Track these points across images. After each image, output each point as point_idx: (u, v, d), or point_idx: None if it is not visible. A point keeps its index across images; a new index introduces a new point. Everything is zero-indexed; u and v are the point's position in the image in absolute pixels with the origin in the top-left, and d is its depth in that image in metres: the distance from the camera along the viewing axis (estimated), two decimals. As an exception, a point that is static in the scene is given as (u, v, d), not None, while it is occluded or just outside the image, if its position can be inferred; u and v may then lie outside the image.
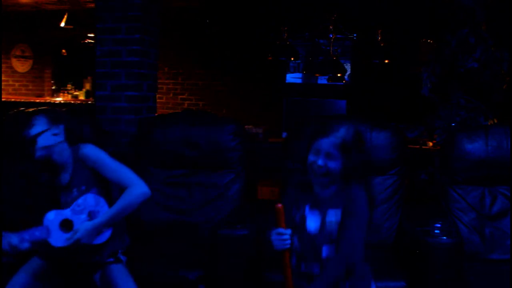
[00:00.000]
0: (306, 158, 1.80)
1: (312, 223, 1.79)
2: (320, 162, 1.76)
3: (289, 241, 1.77)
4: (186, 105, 7.33)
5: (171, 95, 7.42)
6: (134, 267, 2.39)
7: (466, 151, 2.72)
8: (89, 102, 7.39)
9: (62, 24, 6.92)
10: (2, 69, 7.95)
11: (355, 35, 5.93)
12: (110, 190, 2.20)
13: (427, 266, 2.23)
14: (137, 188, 2.12)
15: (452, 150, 2.76)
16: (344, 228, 1.74)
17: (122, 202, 2.10)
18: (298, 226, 1.81)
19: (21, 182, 2.19)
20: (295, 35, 5.93)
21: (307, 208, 1.81)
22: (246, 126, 3.87)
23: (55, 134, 2.08)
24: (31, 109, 3.28)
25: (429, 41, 4.89)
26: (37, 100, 7.23)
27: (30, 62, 8.30)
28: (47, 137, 2.06)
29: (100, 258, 2.15)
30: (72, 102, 7.66)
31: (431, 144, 4.37)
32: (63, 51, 8.20)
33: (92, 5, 4.41)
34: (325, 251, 1.75)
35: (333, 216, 1.77)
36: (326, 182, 1.79)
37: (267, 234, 1.81)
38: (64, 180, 2.14)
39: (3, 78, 8.08)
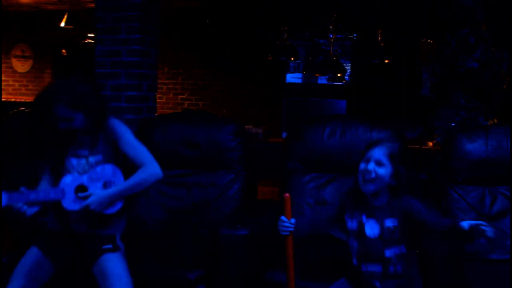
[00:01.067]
0: (358, 168, 1.98)
1: (371, 229, 1.95)
2: (370, 166, 1.93)
3: (290, 228, 1.95)
4: (186, 105, 7.33)
5: (171, 95, 7.42)
6: (134, 267, 2.39)
7: (466, 151, 2.72)
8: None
9: (62, 24, 6.92)
10: (2, 69, 7.95)
11: (355, 35, 5.93)
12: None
13: (427, 266, 2.22)
14: (153, 168, 2.19)
15: (452, 150, 2.76)
16: (424, 218, 1.93)
17: (138, 177, 2.16)
18: (356, 232, 1.97)
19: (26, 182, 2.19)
20: (295, 35, 5.93)
21: (363, 217, 1.97)
22: (246, 126, 3.87)
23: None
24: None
25: (429, 41, 4.89)
26: (37, 100, 7.22)
27: (30, 62, 8.30)
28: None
29: (109, 232, 2.17)
30: (72, 102, 7.64)
31: (431, 144, 4.38)
32: (63, 51, 8.20)
33: (92, 5, 4.41)
34: (388, 252, 1.92)
35: (390, 223, 1.93)
36: (374, 190, 1.95)
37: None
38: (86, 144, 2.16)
39: (3, 78, 8.08)
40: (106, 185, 2.12)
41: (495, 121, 3.79)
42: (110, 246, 2.16)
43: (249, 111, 6.67)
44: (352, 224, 1.99)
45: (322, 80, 6.52)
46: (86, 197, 2.06)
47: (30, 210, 2.00)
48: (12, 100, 7.09)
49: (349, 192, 2.08)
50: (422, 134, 4.29)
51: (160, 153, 3.04)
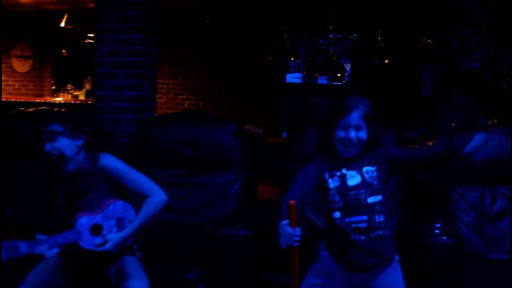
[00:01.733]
0: (332, 135, 1.97)
1: (352, 179, 1.96)
2: (351, 134, 1.93)
3: (297, 238, 1.81)
4: (186, 105, 7.33)
5: (171, 95, 7.42)
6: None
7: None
8: (89, 102, 7.40)
9: (62, 24, 6.92)
10: (2, 69, 7.95)
11: (355, 35, 5.93)
12: (130, 197, 2.28)
13: (427, 266, 2.22)
14: (157, 196, 2.23)
15: (452, 150, 2.75)
16: (402, 154, 2.09)
17: (146, 211, 2.20)
18: (339, 186, 1.96)
19: (26, 182, 2.22)
20: (295, 35, 5.93)
21: (344, 169, 1.98)
22: (246, 126, 3.87)
23: (74, 143, 2.18)
24: (31, 109, 3.30)
25: (429, 41, 4.89)
26: (37, 100, 7.23)
27: (30, 62, 8.30)
28: (64, 142, 2.15)
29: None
30: (72, 102, 7.66)
31: (431, 144, 4.37)
32: (63, 51, 8.20)
33: (92, 5, 4.41)
34: (370, 199, 1.94)
35: (369, 168, 1.97)
36: (356, 153, 1.98)
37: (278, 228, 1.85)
38: (81, 188, 2.21)
39: (3, 78, 8.08)
40: (118, 221, 2.18)
41: (495, 121, 3.79)
42: (128, 252, 2.24)
43: (249, 111, 6.68)
44: (334, 182, 1.97)
45: (322, 80, 6.52)
46: (103, 243, 2.10)
47: (51, 252, 2.02)
48: (12, 100, 7.08)
49: (319, 154, 2.06)
50: (422, 134, 4.29)
51: (160, 153, 3.06)
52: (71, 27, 6.97)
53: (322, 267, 2.01)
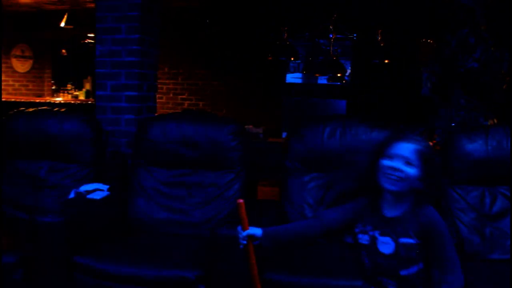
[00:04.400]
0: (376, 164, 1.66)
1: (385, 247, 1.68)
2: (396, 164, 1.61)
3: (244, 241, 1.74)
4: (186, 105, 7.33)
5: (171, 95, 7.43)
6: (134, 267, 2.39)
7: (466, 151, 2.71)
8: (89, 102, 7.39)
9: (62, 24, 6.91)
10: (2, 69, 7.95)
11: (355, 35, 5.94)
12: None
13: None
14: None
15: (452, 150, 2.76)
16: (438, 250, 1.64)
17: None
18: (368, 246, 1.71)
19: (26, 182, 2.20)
20: (295, 35, 5.94)
21: (377, 233, 1.70)
22: (246, 126, 3.87)
23: None
24: (31, 109, 3.30)
25: (429, 41, 4.89)
26: (37, 100, 7.23)
27: (30, 62, 8.30)
28: None
29: None
30: (72, 102, 7.66)
31: (431, 144, 4.38)
32: (63, 51, 8.20)
33: (92, 5, 4.42)
34: (403, 272, 1.66)
35: (408, 243, 1.66)
36: (397, 191, 1.66)
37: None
38: None
39: (3, 78, 8.08)
40: None
41: (495, 121, 3.80)
42: None
43: (249, 111, 6.68)
44: (363, 237, 1.73)
45: (322, 80, 6.52)
46: None
47: None
48: (12, 100, 7.07)
49: (366, 202, 1.78)
50: (422, 134, 4.28)
51: (160, 153, 3.06)
52: (71, 27, 6.96)
53: None
